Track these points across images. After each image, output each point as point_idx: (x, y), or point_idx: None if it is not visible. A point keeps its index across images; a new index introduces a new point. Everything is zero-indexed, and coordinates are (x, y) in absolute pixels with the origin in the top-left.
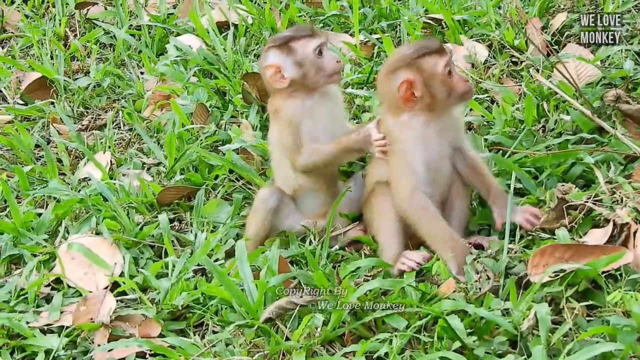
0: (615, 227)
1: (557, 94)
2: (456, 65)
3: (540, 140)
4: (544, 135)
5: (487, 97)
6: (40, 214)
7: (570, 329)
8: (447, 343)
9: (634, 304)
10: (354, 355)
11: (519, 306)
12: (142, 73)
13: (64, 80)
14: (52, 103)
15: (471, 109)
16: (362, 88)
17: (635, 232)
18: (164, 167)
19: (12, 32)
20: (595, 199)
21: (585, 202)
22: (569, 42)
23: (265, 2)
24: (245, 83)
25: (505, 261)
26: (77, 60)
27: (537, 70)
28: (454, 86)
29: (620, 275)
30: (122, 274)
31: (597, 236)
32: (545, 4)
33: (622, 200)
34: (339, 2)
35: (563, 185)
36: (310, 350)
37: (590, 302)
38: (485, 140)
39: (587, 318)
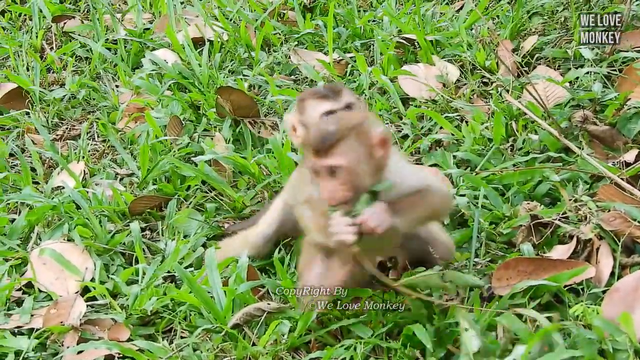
0: (578, 243)
1: (525, 114)
2: (426, 84)
3: (508, 158)
4: (512, 153)
5: (457, 115)
6: (13, 220)
7: None
8: (410, 351)
9: (595, 318)
10: None
11: (482, 318)
12: (117, 86)
13: (40, 91)
14: (27, 113)
15: (441, 127)
16: None
17: (598, 248)
18: (136, 177)
19: None
20: (562, 216)
21: (554, 219)
22: (539, 64)
23: (241, 20)
24: (219, 97)
25: (471, 274)
26: (53, 72)
27: (507, 91)
28: None
29: (582, 289)
30: (92, 280)
31: (560, 252)
32: (516, 27)
33: (586, 218)
34: (314, 20)
35: (529, 202)
36: (277, 356)
37: (553, 315)
38: (454, 157)
39: None
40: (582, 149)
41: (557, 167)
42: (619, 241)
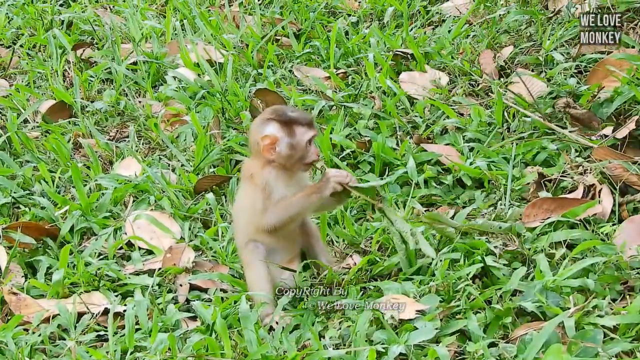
0: (584, 188)
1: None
2: (425, 87)
3: (507, 137)
4: (510, 134)
5: (454, 108)
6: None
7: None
8: None
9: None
10: None
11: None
12: (139, 102)
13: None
14: (73, 123)
15: (446, 117)
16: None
17: (600, 191)
18: (189, 167)
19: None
20: (562, 175)
21: (557, 176)
22: (517, 67)
23: (243, 43)
24: (254, 99)
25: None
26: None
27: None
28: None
29: (590, 222)
30: (182, 239)
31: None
32: (492, 41)
33: (583, 173)
34: (308, 42)
35: (532, 167)
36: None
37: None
38: (464, 137)
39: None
40: (567, 128)
41: (553, 138)
42: (617, 185)
